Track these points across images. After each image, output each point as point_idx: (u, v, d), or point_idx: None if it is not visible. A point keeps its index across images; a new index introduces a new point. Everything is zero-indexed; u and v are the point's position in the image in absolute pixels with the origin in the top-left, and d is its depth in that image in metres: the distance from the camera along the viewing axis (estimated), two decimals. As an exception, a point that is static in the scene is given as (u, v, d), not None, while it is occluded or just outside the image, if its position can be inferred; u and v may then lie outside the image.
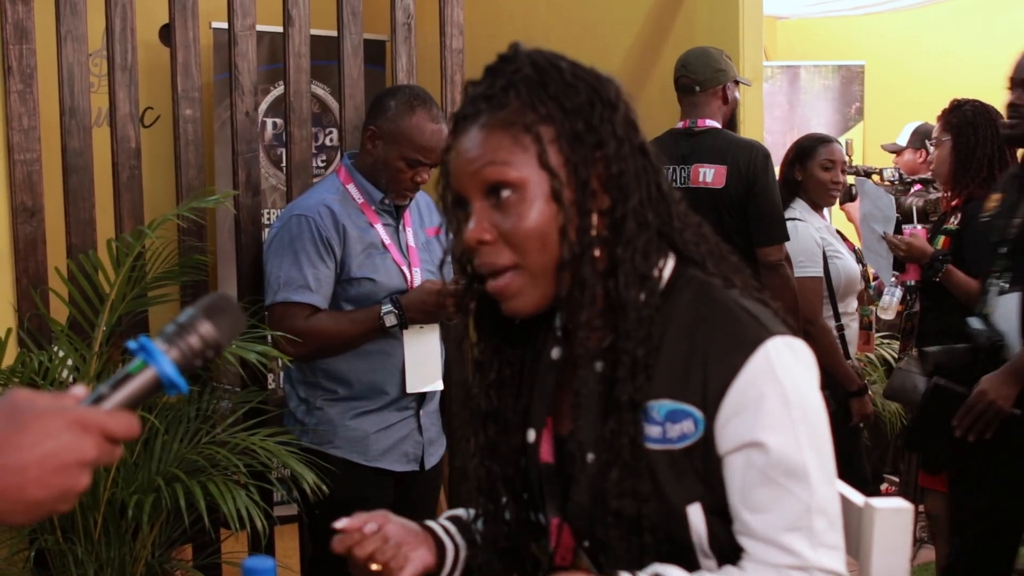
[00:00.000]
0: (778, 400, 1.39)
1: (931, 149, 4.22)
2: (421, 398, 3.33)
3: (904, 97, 6.83)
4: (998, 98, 6.69)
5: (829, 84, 7.08)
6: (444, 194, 1.51)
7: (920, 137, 5.74)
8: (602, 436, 1.44)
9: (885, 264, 4.20)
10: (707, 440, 1.41)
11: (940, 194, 4.43)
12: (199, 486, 2.89)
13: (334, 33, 3.95)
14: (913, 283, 4.07)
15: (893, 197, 4.21)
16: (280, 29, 3.85)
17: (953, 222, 4.02)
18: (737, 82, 4.19)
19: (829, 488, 1.42)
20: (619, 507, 1.43)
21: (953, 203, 4.06)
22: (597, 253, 1.44)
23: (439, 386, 3.35)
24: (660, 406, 1.43)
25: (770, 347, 1.41)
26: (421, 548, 1.59)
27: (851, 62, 7.12)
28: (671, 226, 1.50)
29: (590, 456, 1.47)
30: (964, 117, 4.03)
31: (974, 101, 4.07)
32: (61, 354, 3.07)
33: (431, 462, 3.40)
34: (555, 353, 1.59)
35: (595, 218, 1.44)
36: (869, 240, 4.30)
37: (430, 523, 1.67)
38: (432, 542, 1.62)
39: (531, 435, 1.58)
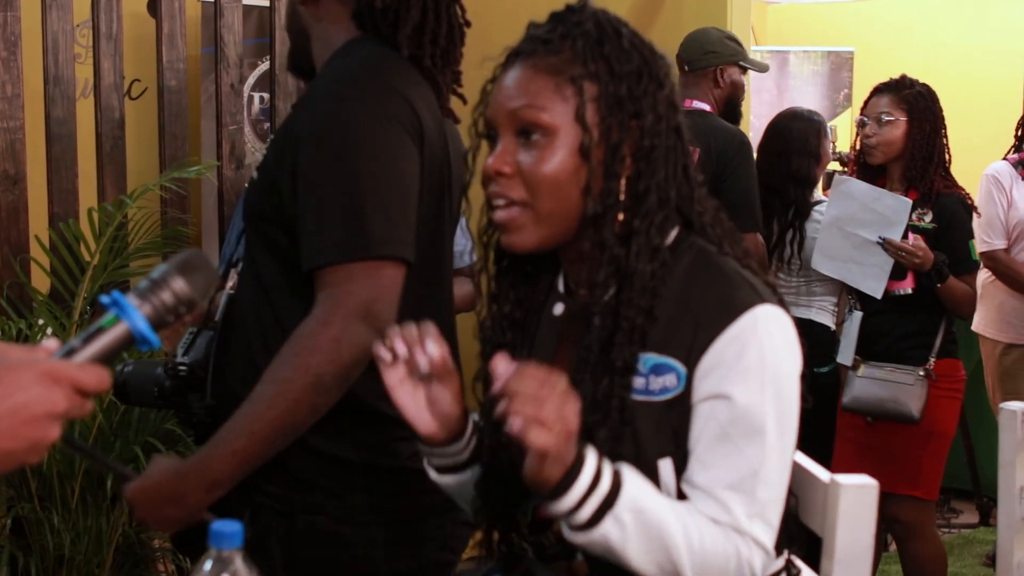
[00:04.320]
0: (755, 359, 1.41)
1: (867, 122, 3.80)
2: None
3: (893, 85, 6.84)
4: (987, 88, 6.73)
5: (818, 70, 7.09)
6: (477, 120, 1.55)
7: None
8: (593, 395, 1.45)
9: (876, 274, 3.68)
10: (686, 396, 1.44)
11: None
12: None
13: (321, 7, 3.94)
14: (909, 291, 3.68)
15: (908, 200, 3.65)
16: (267, 2, 3.85)
17: (924, 219, 3.67)
18: (743, 67, 4.12)
19: (782, 465, 1.45)
20: None
21: (910, 197, 3.67)
22: (621, 217, 1.47)
23: None
24: (646, 359, 1.45)
25: (759, 312, 1.44)
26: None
27: (840, 48, 7.13)
28: (691, 208, 1.53)
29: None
30: (923, 99, 3.73)
31: (921, 81, 3.79)
32: (41, 322, 3.07)
33: None
34: (558, 309, 1.60)
35: (622, 183, 1.47)
36: (839, 248, 3.79)
37: None
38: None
39: None
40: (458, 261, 3.13)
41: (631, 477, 1.41)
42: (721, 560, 1.41)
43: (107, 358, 1.17)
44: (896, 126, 3.73)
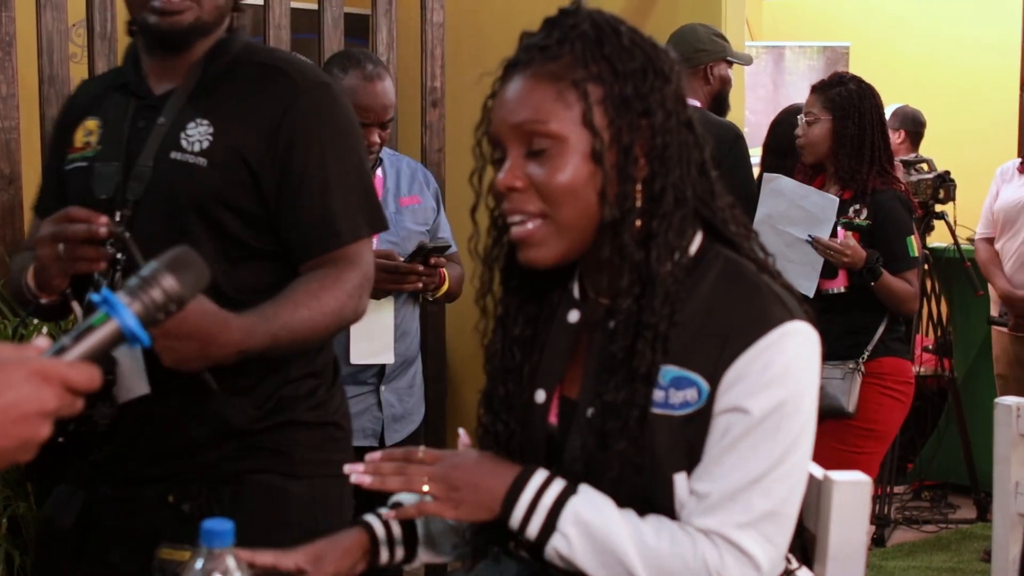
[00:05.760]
0: (779, 373, 1.40)
1: (800, 120, 3.82)
2: (381, 374, 3.23)
3: (889, 79, 6.80)
4: (984, 79, 6.73)
5: (814, 65, 7.08)
6: (480, 140, 1.53)
7: (900, 119, 5.74)
8: (613, 402, 1.44)
9: (807, 272, 3.62)
10: (706, 410, 1.42)
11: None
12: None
13: (315, 6, 3.94)
14: (842, 290, 3.66)
15: (835, 198, 3.65)
16: (261, 1, 3.84)
17: (859, 217, 3.65)
18: (730, 61, 4.14)
19: (791, 480, 1.43)
20: (618, 476, 1.44)
21: (844, 195, 3.68)
22: (638, 223, 1.45)
23: (388, 359, 3.19)
24: (666, 371, 1.43)
25: (789, 328, 1.42)
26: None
27: (836, 43, 7.12)
28: (709, 205, 1.51)
29: (590, 411, 1.48)
30: (849, 99, 3.68)
31: (857, 79, 3.75)
32: (36, 322, 3.07)
33: (393, 438, 3.27)
34: (572, 316, 1.58)
35: (638, 186, 1.45)
36: (773, 245, 3.58)
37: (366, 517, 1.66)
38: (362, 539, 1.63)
39: (540, 396, 1.56)
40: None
41: (584, 493, 1.43)
42: (679, 568, 1.39)
43: (98, 356, 1.18)
44: (819, 125, 3.71)
